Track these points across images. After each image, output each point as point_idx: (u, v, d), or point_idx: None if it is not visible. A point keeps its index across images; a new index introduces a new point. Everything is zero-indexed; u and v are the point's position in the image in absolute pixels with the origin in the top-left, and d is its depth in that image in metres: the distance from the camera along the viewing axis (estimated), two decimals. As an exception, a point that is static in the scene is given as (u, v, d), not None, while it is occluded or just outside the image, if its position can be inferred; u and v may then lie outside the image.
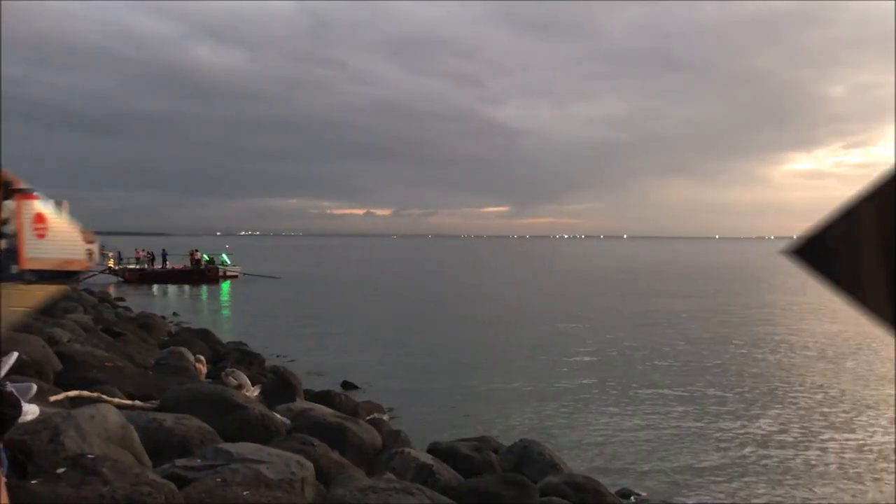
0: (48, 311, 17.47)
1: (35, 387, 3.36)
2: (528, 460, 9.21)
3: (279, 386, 12.25)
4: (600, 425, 13.42)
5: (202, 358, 13.67)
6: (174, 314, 29.70)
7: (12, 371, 4.08)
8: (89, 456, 4.65)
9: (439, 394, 15.67)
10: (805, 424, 13.50)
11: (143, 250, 51.46)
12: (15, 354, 3.82)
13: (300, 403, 10.75)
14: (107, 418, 5.31)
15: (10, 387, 2.58)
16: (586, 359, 20.36)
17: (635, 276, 61.21)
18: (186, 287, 45.26)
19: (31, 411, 2.73)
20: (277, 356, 19.08)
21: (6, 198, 2.46)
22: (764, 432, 12.95)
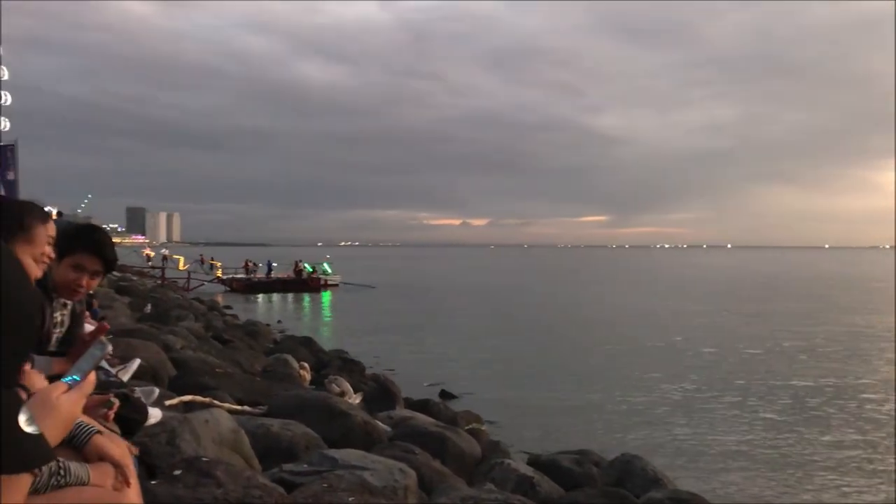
0: (163, 318, 18.32)
1: (157, 391, 3.53)
2: (630, 475, 9.01)
3: (380, 393, 12.44)
4: (706, 441, 13.02)
5: (306, 365, 14.03)
6: (278, 322, 30.57)
7: (133, 376, 4.30)
8: (203, 459, 4.82)
9: (538, 405, 15.56)
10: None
11: (250, 261, 53.24)
12: (137, 361, 4.03)
13: (400, 411, 10.87)
14: (219, 422, 5.50)
15: (137, 392, 2.72)
16: (692, 372, 19.79)
17: (743, 288, 59.22)
18: (290, 296, 46.57)
19: (154, 415, 2.86)
20: (377, 364, 19.36)
21: None
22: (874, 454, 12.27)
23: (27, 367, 1.85)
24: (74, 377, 1.33)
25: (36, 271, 1.97)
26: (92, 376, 1.36)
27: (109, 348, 1.48)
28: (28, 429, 0.74)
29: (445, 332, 28.45)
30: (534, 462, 9.14)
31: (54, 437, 1.27)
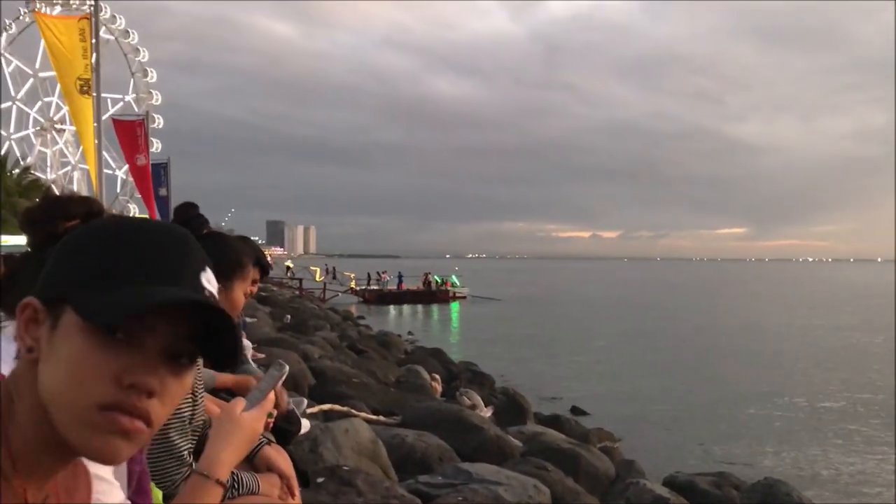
0: (301, 328, 19.08)
1: (306, 401, 3.68)
2: (773, 500, 8.58)
3: (510, 408, 12.45)
4: (854, 466, 12.23)
5: (437, 377, 14.22)
6: (409, 333, 31.02)
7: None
8: (344, 467, 4.98)
9: (673, 424, 15.09)
10: None
11: (384, 272, 54.62)
12: (287, 367, 4.23)
13: (531, 427, 10.83)
14: (359, 432, 5.68)
15: (290, 403, 2.86)
16: (841, 393, 18.64)
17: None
18: (419, 307, 47.33)
19: (304, 425, 2.99)
20: (506, 377, 19.33)
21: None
22: None
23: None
24: (255, 396, 1.43)
25: (241, 304, 2.15)
26: (272, 395, 1.46)
27: (286, 369, 1.58)
28: None
29: (575, 346, 28.09)
30: (670, 483, 8.87)
31: (240, 452, 1.39)
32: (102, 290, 0.80)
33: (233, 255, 2.09)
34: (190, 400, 1.88)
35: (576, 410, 15.63)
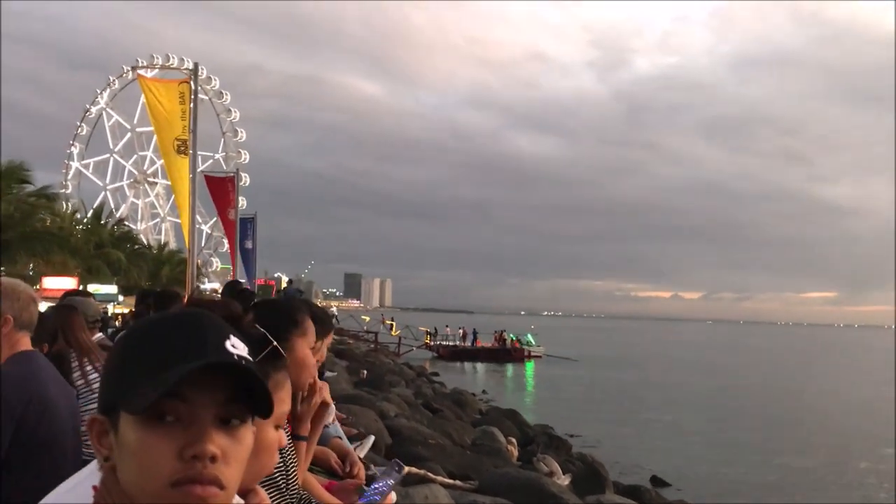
0: (377, 383, 19.12)
1: (406, 468, 3.63)
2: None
3: (588, 475, 12.11)
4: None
5: (514, 440, 13.99)
6: (483, 392, 30.70)
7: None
8: (423, 536, 4.89)
9: (758, 498, 14.41)
10: None
11: (462, 328, 54.72)
12: (373, 437, 4.19)
13: (610, 497, 10.51)
14: (438, 499, 5.61)
15: (374, 469, 2.83)
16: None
17: None
18: (493, 365, 46.92)
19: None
20: (583, 442, 18.88)
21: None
22: None
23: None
24: (375, 498, 1.42)
25: (313, 360, 2.15)
26: (391, 496, 1.45)
27: (405, 471, 1.56)
28: None
29: (656, 411, 27.27)
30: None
31: None
32: (137, 386, 0.92)
33: (285, 315, 2.09)
34: (282, 468, 1.88)
35: (656, 481, 15.08)
